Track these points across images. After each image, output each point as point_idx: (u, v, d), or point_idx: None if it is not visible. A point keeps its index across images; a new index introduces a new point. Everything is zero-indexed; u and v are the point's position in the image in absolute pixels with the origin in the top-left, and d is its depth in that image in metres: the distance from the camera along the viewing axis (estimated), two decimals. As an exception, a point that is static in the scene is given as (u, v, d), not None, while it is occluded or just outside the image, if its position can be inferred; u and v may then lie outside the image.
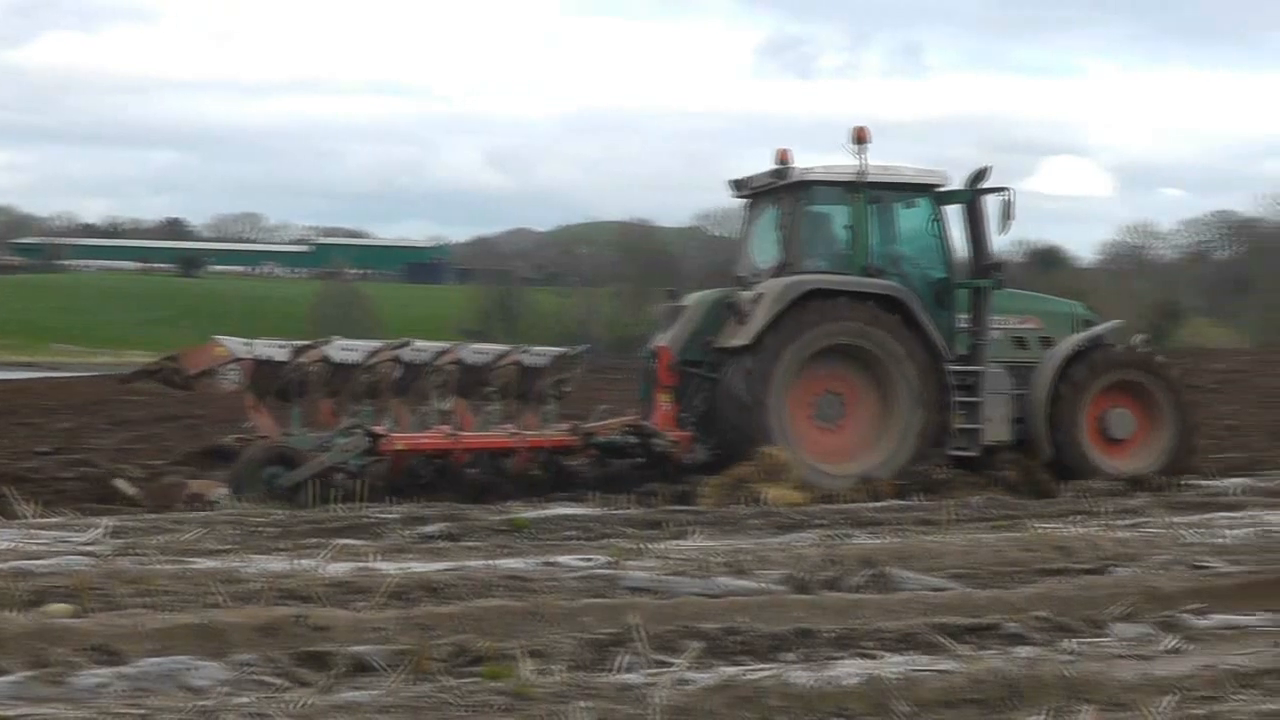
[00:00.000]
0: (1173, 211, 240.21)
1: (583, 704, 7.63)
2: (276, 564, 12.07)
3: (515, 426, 19.66)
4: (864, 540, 14.31)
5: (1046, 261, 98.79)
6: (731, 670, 8.55)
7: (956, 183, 21.30)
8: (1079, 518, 16.51)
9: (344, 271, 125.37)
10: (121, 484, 18.76)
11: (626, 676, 8.40)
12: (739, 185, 21.98)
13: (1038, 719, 7.75)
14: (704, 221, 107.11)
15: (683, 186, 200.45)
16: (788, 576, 11.39)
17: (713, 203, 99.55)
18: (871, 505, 17.63)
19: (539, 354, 20.66)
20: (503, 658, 8.64)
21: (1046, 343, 21.41)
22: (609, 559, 12.46)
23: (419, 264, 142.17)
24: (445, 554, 13.34)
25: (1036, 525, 15.45)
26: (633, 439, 19.70)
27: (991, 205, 21.07)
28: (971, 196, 21.16)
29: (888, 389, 20.20)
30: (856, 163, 20.55)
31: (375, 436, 18.43)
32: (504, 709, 7.68)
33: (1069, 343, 21.22)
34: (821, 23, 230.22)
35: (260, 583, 10.70)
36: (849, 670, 8.56)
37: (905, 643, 9.51)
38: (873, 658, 9.11)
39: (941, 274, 21.13)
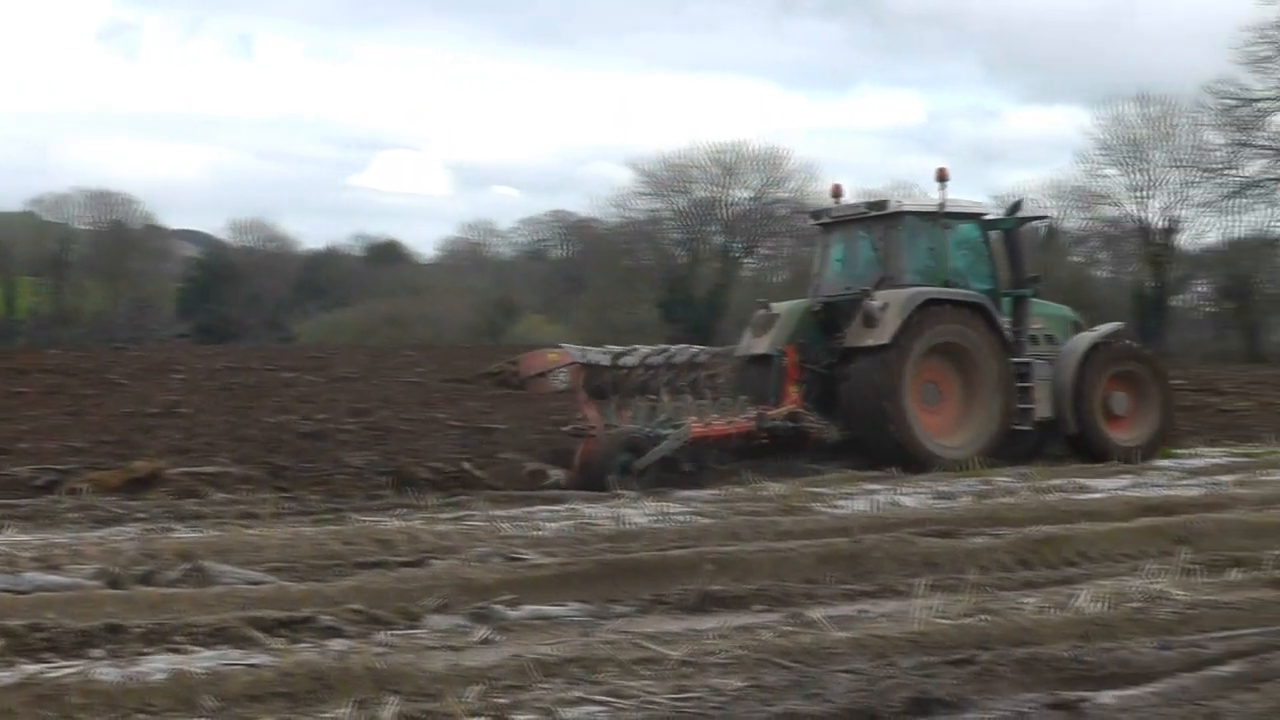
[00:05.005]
0: (508, 210, 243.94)
1: None
2: None
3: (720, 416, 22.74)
4: (184, 534, 14.21)
5: (386, 256, 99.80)
6: (34, 668, 8.34)
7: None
8: (402, 511, 16.76)
9: None
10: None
11: (-81, 676, 8.10)
12: (818, 215, 26.71)
13: (344, 711, 7.77)
14: (37, 207, 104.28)
15: (14, 171, 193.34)
16: (101, 571, 11.16)
17: (46, 188, 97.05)
18: (192, 500, 17.53)
19: (704, 352, 23.76)
20: None
21: (1050, 340, 26.23)
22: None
23: None
24: None
25: (358, 519, 15.59)
26: (790, 424, 23.23)
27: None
28: (1015, 223, 25.95)
29: (973, 378, 24.73)
30: (936, 197, 25.04)
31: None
32: None
33: (1085, 339, 26.25)
34: (153, 9, 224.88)
35: None
36: (157, 666, 8.48)
37: (217, 637, 9.44)
38: (183, 653, 9.02)
39: (990, 285, 25.53)
